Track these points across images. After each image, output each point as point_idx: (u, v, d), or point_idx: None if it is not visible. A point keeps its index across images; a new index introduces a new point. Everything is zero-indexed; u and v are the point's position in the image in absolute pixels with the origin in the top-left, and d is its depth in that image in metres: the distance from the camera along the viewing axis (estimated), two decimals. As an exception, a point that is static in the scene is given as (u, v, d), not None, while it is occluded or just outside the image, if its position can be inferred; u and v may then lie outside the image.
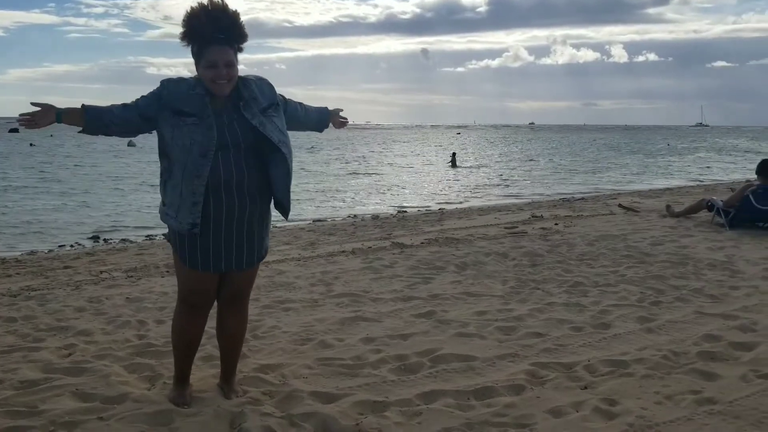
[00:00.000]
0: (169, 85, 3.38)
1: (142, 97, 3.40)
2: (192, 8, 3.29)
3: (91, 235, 12.54)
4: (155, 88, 3.41)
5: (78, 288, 6.67)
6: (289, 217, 3.68)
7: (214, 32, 3.26)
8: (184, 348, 3.67)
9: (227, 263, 3.48)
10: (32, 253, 10.50)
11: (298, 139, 45.40)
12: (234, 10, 3.32)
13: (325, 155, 45.43)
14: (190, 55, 3.39)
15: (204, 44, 3.29)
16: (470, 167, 33.81)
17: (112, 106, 3.38)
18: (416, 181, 25.72)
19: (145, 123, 3.39)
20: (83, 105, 3.34)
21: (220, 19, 3.27)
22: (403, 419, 3.47)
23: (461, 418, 3.47)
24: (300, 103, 3.86)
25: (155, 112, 3.35)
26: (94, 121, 3.33)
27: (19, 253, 10.44)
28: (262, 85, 3.52)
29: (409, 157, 44.07)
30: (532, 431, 3.30)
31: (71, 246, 11.45)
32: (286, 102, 3.70)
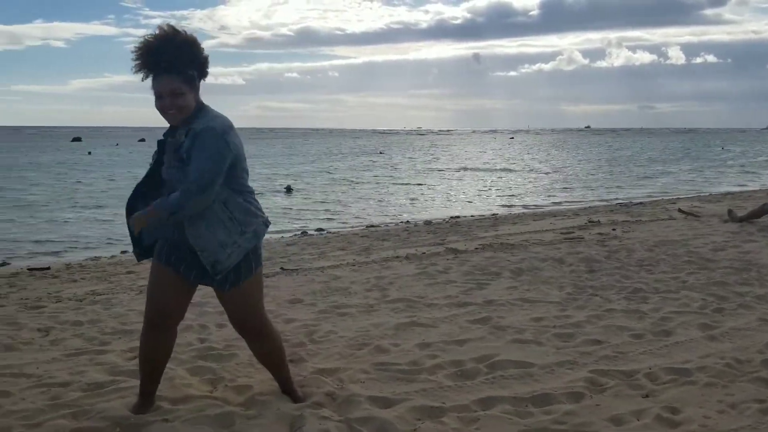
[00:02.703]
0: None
1: None
2: (141, 39, 3.27)
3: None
4: None
5: (141, 292, 6.84)
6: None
7: (156, 62, 3.23)
8: (143, 364, 3.62)
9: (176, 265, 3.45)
10: (96, 258, 10.82)
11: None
12: (185, 37, 3.25)
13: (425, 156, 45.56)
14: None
15: (152, 75, 3.29)
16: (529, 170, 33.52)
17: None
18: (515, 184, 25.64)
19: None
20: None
21: (162, 49, 3.22)
22: (461, 425, 3.47)
23: (519, 424, 3.46)
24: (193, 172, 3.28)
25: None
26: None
27: (83, 259, 10.76)
28: (191, 134, 3.29)
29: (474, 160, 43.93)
30: (592, 439, 3.27)
31: (132, 252, 11.74)
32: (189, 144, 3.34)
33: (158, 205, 3.28)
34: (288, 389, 3.86)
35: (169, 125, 3.41)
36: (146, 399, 3.66)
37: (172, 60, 3.22)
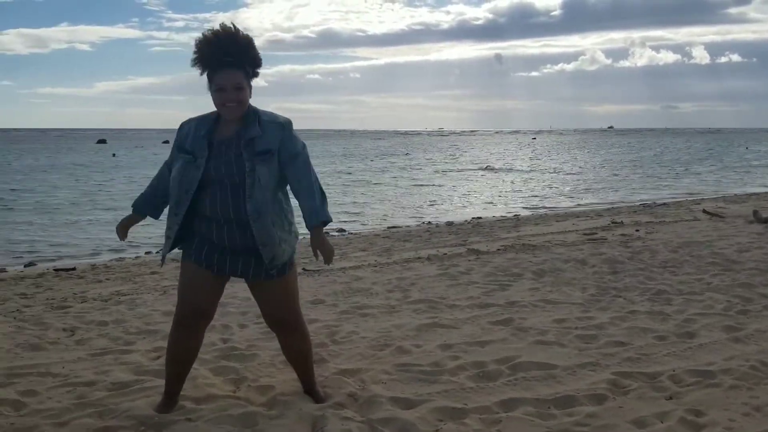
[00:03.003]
0: (184, 127, 3.54)
1: (173, 149, 3.60)
2: (203, 35, 3.38)
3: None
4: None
5: (165, 293, 6.91)
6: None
7: (222, 56, 3.33)
8: (169, 365, 3.66)
9: (220, 266, 3.48)
10: (120, 259, 10.93)
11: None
12: (245, 35, 3.39)
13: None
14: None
15: (213, 69, 3.37)
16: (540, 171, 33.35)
17: (151, 182, 3.71)
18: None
19: None
20: (132, 205, 3.73)
21: (229, 45, 3.34)
22: (483, 426, 3.47)
23: (542, 426, 3.45)
24: (306, 178, 3.43)
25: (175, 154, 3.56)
26: (144, 207, 3.70)
27: (108, 259, 10.88)
28: (270, 127, 3.43)
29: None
30: (615, 441, 3.25)
31: (157, 252, 11.86)
32: (294, 157, 3.44)
33: (317, 219, 3.37)
34: (311, 389, 3.87)
35: (196, 124, 3.50)
36: (171, 399, 3.69)
37: (236, 55, 3.35)
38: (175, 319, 3.59)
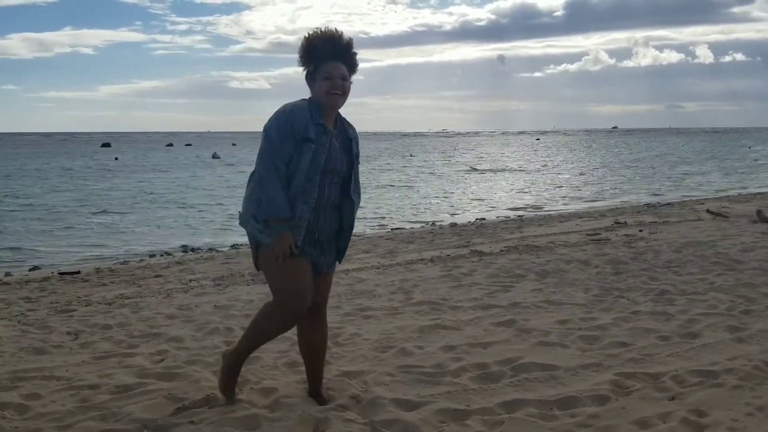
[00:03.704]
0: (297, 114, 3.53)
1: (278, 140, 3.48)
2: (311, 33, 3.63)
3: (180, 245, 12.98)
4: (280, 123, 3.50)
5: (169, 296, 6.93)
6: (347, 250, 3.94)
7: (331, 50, 3.58)
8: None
9: (320, 265, 3.72)
10: (125, 262, 10.96)
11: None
12: (349, 37, 3.65)
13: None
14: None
15: (322, 61, 3.58)
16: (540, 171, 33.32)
17: (281, 186, 3.46)
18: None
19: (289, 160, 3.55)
20: (281, 214, 3.47)
21: (338, 41, 3.60)
22: (485, 428, 3.47)
23: (544, 428, 3.45)
24: (359, 183, 3.84)
25: (292, 147, 3.51)
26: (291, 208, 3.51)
27: (113, 263, 10.91)
28: (354, 134, 3.81)
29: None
30: (618, 442, 3.25)
31: (161, 255, 11.90)
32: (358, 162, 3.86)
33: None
34: (318, 388, 3.89)
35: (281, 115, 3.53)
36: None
37: (343, 51, 3.62)
38: (282, 317, 3.59)
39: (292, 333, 4.00)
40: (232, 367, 3.81)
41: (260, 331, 3.71)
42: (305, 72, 3.66)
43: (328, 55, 3.58)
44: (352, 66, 3.68)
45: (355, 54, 3.69)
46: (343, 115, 3.76)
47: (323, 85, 3.57)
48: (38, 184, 29.39)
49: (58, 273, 9.51)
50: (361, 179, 3.90)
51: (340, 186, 3.68)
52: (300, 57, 3.65)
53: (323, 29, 3.63)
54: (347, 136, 3.73)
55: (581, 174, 32.50)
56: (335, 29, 3.64)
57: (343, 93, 3.62)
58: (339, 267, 8.24)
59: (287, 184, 3.48)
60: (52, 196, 23.74)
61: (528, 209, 18.39)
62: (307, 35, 3.64)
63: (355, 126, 3.82)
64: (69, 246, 13.30)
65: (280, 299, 3.58)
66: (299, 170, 3.49)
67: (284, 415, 3.60)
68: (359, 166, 3.84)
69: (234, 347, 3.85)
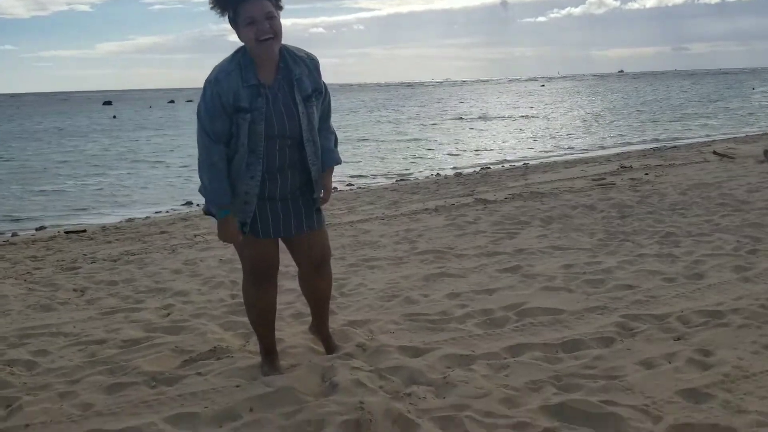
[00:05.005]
0: (222, 82, 3.15)
1: (209, 119, 3.16)
2: None
3: (184, 202, 12.98)
4: (207, 99, 3.16)
5: (174, 251, 6.94)
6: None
7: None
8: (261, 320, 3.61)
9: (286, 229, 3.42)
10: (130, 220, 10.97)
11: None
12: None
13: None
14: None
15: (237, 2, 3.10)
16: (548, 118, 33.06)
17: (216, 172, 3.21)
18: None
19: (230, 136, 3.22)
20: (222, 208, 3.26)
21: None
22: (491, 372, 3.48)
23: (549, 370, 3.45)
24: (329, 118, 3.51)
25: (227, 122, 3.18)
26: (231, 193, 3.27)
27: (118, 221, 10.93)
28: (310, 65, 3.32)
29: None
30: (622, 383, 3.25)
31: (167, 212, 11.91)
32: (325, 95, 3.43)
33: (334, 162, 3.47)
34: (326, 334, 3.87)
35: (231, 74, 3.16)
36: (273, 356, 3.64)
37: None
38: (250, 276, 3.52)
39: (297, 285, 3.99)
40: (262, 351, 3.69)
41: (246, 302, 3.65)
42: (227, 19, 3.17)
43: None
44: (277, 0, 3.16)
45: None
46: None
47: (249, 32, 3.09)
48: (33, 145, 29.31)
49: (65, 232, 9.53)
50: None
51: (296, 147, 3.30)
52: (211, 3, 3.15)
53: None
54: (291, 80, 3.24)
55: (586, 120, 32.21)
56: None
57: (276, 35, 3.11)
58: (343, 219, 8.29)
59: (230, 160, 3.20)
60: (57, 156, 23.70)
61: (533, 157, 18.28)
62: None
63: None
64: (71, 210, 13.29)
65: (242, 265, 3.57)
66: (240, 144, 3.18)
67: (291, 364, 3.61)
68: (326, 99, 3.39)
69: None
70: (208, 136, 3.17)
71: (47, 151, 26.20)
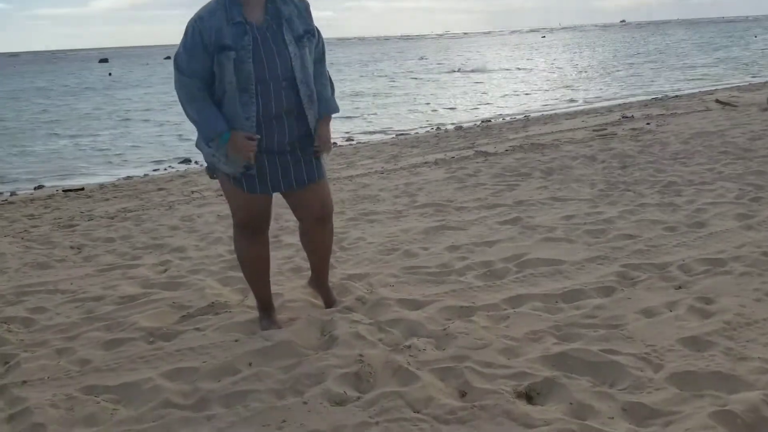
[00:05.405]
0: (204, 19, 3.05)
1: (186, 58, 3.07)
2: None
3: (182, 159, 12.90)
4: (188, 38, 3.06)
5: (171, 208, 6.90)
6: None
7: None
8: (254, 274, 3.55)
9: (285, 184, 3.33)
10: (128, 177, 10.92)
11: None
12: None
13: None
14: None
15: None
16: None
17: (200, 103, 3.12)
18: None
19: (211, 75, 3.11)
20: (219, 130, 3.11)
21: None
22: (491, 323, 3.46)
23: (549, 320, 3.43)
24: (323, 64, 3.40)
25: (208, 61, 3.06)
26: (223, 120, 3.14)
27: (116, 179, 10.87)
28: (300, 6, 3.23)
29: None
30: (623, 331, 3.23)
31: (165, 169, 11.84)
32: (318, 39, 3.32)
33: (331, 109, 3.34)
34: (325, 288, 3.83)
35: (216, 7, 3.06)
36: (270, 311, 3.60)
37: None
38: (240, 229, 3.46)
39: (297, 240, 3.94)
40: (258, 305, 3.65)
41: (237, 255, 3.59)
42: None
43: None
44: None
45: None
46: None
47: None
48: (32, 104, 29.08)
49: (63, 190, 9.48)
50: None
51: (291, 90, 3.18)
52: None
53: None
54: (281, 20, 3.14)
55: (586, 71, 31.85)
56: None
57: None
58: (342, 173, 8.22)
59: (219, 103, 3.11)
60: (60, 111, 23.53)
61: (534, 110, 18.10)
62: None
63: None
64: (65, 171, 13.19)
65: (233, 217, 3.50)
66: (227, 84, 3.06)
67: (290, 318, 3.59)
68: (320, 42, 3.29)
69: None
70: (183, 74, 3.09)
71: (52, 108, 26.00)
